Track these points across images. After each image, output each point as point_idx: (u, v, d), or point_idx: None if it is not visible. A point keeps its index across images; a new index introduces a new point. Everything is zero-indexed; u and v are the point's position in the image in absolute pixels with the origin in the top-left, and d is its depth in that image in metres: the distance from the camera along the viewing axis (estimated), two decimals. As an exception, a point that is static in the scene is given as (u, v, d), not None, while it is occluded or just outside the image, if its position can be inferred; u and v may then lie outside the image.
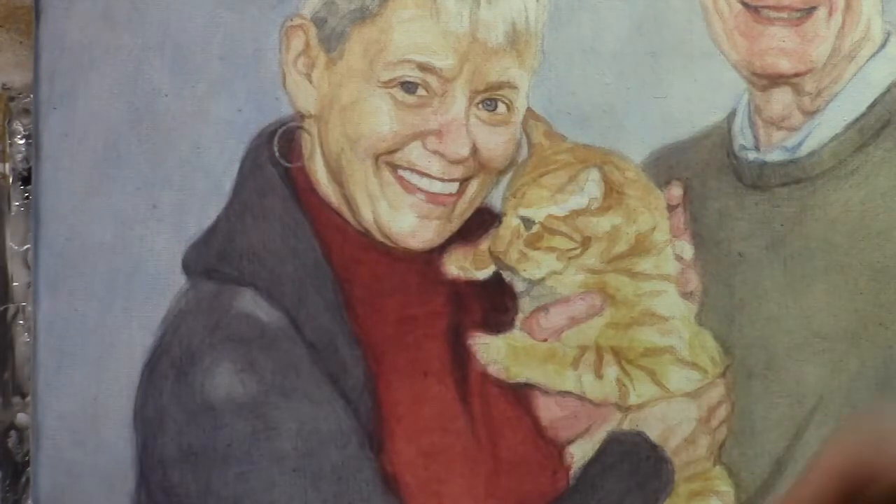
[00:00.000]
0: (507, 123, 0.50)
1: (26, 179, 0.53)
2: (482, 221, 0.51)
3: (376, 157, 0.49)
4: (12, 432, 0.52)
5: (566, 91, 0.50)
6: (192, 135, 0.50)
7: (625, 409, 0.49)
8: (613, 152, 0.50)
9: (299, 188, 0.50)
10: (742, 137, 0.51)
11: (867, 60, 0.50)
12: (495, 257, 0.50)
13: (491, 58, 0.49)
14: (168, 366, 0.49)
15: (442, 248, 0.51)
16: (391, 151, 0.49)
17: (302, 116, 0.51)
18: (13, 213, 0.53)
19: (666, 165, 0.51)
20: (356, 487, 0.48)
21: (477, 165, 0.50)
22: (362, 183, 0.49)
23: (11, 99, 0.54)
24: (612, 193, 0.49)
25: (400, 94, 0.49)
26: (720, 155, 0.52)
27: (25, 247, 0.52)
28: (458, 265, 0.51)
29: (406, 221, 0.50)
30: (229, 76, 0.51)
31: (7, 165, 0.53)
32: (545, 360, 0.49)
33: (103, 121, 0.50)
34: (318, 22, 0.50)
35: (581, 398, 0.49)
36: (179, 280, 0.50)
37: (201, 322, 0.49)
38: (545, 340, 0.50)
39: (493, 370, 0.49)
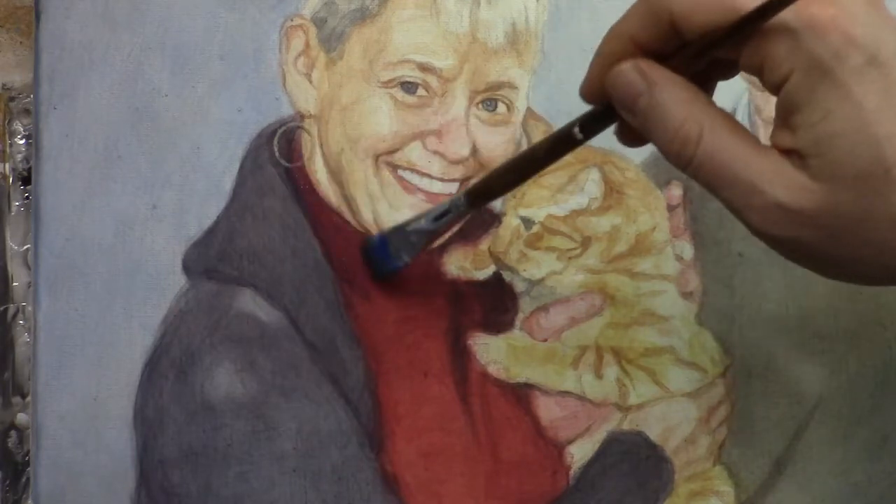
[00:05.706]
0: (507, 123, 0.50)
1: (26, 179, 0.53)
2: (482, 221, 0.51)
3: (376, 158, 0.49)
4: (12, 432, 0.52)
5: (566, 91, 0.50)
6: (192, 135, 0.50)
7: (625, 409, 0.49)
8: (613, 152, 0.50)
9: (299, 188, 0.50)
10: (742, 137, 0.51)
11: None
12: (495, 257, 0.50)
13: (491, 58, 0.49)
14: (168, 366, 0.49)
15: (442, 248, 0.51)
16: (391, 151, 0.49)
17: (302, 116, 0.51)
18: (13, 213, 0.53)
19: (666, 165, 0.51)
20: (356, 487, 0.48)
21: (477, 166, 0.50)
22: (362, 183, 0.50)
23: (11, 99, 0.54)
24: (612, 193, 0.49)
25: (400, 94, 0.49)
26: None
27: (25, 247, 0.52)
28: (458, 265, 0.51)
29: (406, 222, 0.50)
30: (229, 76, 0.51)
31: (7, 165, 0.53)
32: (545, 360, 0.49)
33: (103, 121, 0.50)
34: (318, 22, 0.50)
35: (581, 398, 0.49)
36: (179, 280, 0.49)
37: (201, 322, 0.49)
38: (545, 340, 0.50)
39: (493, 370, 0.49)
